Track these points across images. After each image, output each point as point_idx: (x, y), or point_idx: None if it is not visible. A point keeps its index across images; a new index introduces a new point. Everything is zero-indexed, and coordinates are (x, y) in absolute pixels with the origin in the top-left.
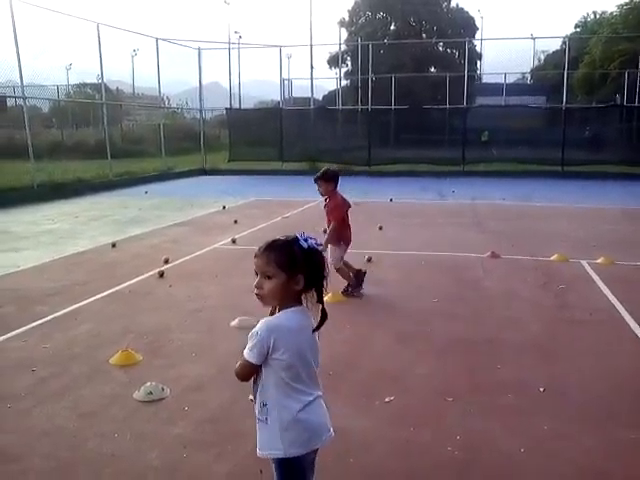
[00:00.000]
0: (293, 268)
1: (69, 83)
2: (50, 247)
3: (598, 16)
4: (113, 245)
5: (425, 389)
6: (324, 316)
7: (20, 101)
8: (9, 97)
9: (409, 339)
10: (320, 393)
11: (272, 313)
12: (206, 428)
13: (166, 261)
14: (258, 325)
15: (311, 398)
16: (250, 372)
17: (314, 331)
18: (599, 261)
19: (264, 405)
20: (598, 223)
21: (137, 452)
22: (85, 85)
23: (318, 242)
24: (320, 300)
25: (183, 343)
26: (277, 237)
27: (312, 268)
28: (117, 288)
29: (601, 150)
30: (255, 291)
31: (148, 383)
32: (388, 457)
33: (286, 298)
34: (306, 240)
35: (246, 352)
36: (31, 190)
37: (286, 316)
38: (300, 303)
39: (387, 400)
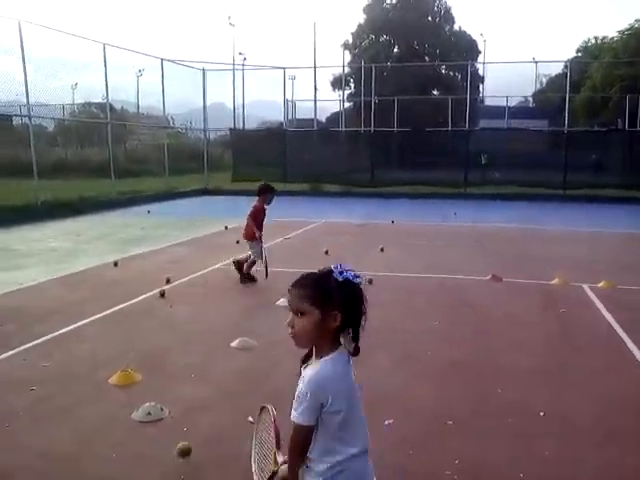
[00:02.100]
0: (327, 303)
1: (74, 102)
2: (52, 265)
3: (599, 41)
4: (115, 264)
5: (425, 412)
6: (356, 353)
7: (26, 120)
8: (15, 116)
9: (409, 361)
10: (366, 449)
11: (307, 355)
12: (205, 449)
13: (167, 281)
14: (304, 385)
15: (355, 451)
16: (308, 436)
17: None
18: (600, 285)
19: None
20: (599, 247)
21: (135, 473)
22: (90, 104)
23: (356, 274)
24: (355, 338)
25: (183, 363)
26: (310, 271)
27: (349, 303)
28: (118, 307)
29: (603, 174)
30: (289, 331)
31: (147, 403)
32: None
33: (322, 338)
34: (341, 273)
35: (297, 417)
36: (35, 208)
37: (331, 366)
38: (338, 344)
39: (386, 423)
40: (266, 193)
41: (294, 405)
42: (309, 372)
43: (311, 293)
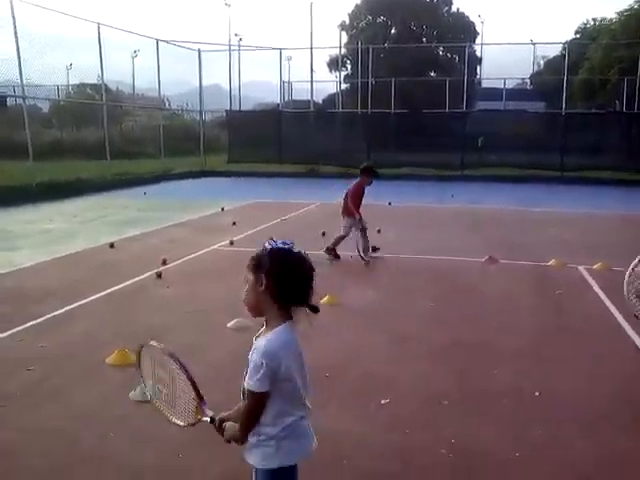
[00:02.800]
0: (258, 269)
1: (69, 83)
2: (48, 247)
3: (597, 23)
4: (111, 245)
5: (420, 392)
6: (315, 311)
7: (20, 100)
8: (9, 96)
9: (405, 342)
10: (307, 411)
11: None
12: (202, 428)
13: (164, 262)
14: (258, 355)
15: (302, 414)
16: (264, 403)
17: None
18: (596, 267)
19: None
20: (596, 229)
21: (132, 452)
22: (85, 85)
23: (285, 242)
24: (299, 301)
25: (180, 344)
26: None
27: (279, 268)
28: (115, 288)
29: (600, 156)
30: None
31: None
32: (382, 459)
33: (264, 306)
34: (275, 242)
35: (254, 385)
36: (30, 190)
37: (280, 335)
38: (288, 317)
39: (382, 403)
40: (368, 174)
41: (249, 374)
42: (261, 342)
43: (250, 262)
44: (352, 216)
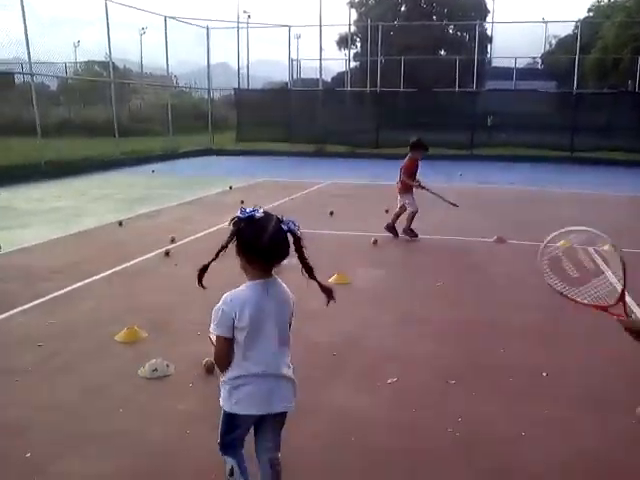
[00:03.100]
0: (233, 235)
1: (77, 60)
2: (57, 225)
3: (612, 0)
4: (120, 223)
5: (428, 371)
6: (324, 290)
7: (28, 78)
8: (17, 74)
9: (413, 321)
10: (271, 373)
11: None
12: (210, 405)
13: (172, 240)
14: (219, 302)
15: (257, 371)
16: (225, 347)
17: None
18: (605, 248)
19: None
20: (605, 210)
21: (141, 428)
22: (93, 63)
23: (253, 209)
24: (310, 275)
25: (188, 321)
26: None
27: (241, 232)
28: (123, 266)
29: (611, 137)
30: None
31: (153, 360)
32: (389, 437)
33: (242, 266)
34: (244, 210)
35: (214, 329)
36: (38, 167)
37: (244, 288)
38: (266, 276)
39: (389, 381)
40: (418, 148)
41: (212, 320)
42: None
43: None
44: (407, 192)
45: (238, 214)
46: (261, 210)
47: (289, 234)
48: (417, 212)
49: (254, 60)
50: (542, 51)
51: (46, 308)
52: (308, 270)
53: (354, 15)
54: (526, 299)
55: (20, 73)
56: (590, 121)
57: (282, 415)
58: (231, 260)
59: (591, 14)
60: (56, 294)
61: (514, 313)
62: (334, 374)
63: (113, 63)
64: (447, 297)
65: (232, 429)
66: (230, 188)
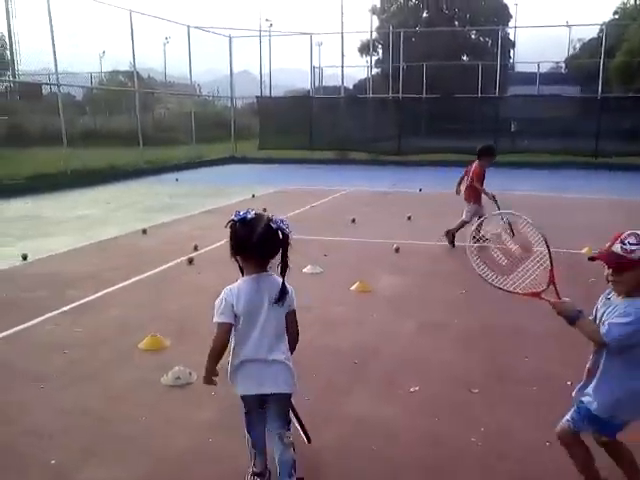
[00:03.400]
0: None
1: (102, 71)
2: (82, 233)
3: (638, 2)
4: (144, 231)
5: (450, 380)
6: (283, 288)
7: (55, 88)
8: (44, 84)
9: (435, 329)
10: (257, 358)
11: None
12: (233, 413)
13: (195, 248)
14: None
15: (243, 358)
16: (225, 333)
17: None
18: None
19: None
20: (631, 216)
21: (164, 435)
22: (118, 73)
23: (246, 212)
24: (282, 273)
25: (211, 329)
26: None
27: (231, 235)
28: (147, 274)
29: (637, 141)
30: None
31: (176, 368)
32: (412, 446)
33: (244, 267)
34: (238, 213)
35: (216, 317)
36: (64, 176)
37: (240, 282)
38: (260, 270)
39: (412, 390)
40: (488, 155)
41: (215, 312)
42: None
43: None
44: (478, 202)
45: (232, 217)
46: (253, 212)
47: (279, 232)
48: (468, 223)
49: (276, 68)
50: (566, 55)
51: (72, 316)
52: (283, 267)
53: (375, 22)
54: (550, 308)
55: (47, 84)
56: (615, 125)
57: (281, 396)
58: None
59: (617, 17)
60: (82, 302)
61: (537, 321)
62: (355, 382)
63: (137, 73)
64: (470, 305)
65: (245, 408)
66: (253, 196)
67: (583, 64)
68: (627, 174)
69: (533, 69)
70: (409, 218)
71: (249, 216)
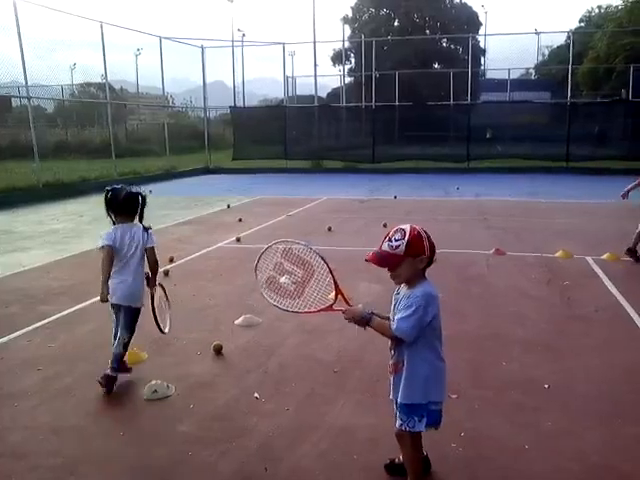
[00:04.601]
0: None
1: (73, 83)
2: (55, 246)
3: (603, 10)
4: None
5: None
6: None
7: (25, 101)
8: (14, 97)
9: None
10: (125, 278)
11: None
12: (211, 426)
13: (171, 260)
14: None
15: (121, 276)
16: (110, 254)
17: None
18: (604, 257)
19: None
20: (603, 219)
21: (142, 450)
22: (89, 85)
23: (113, 186)
24: (140, 219)
25: (188, 341)
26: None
27: (109, 199)
28: None
29: (606, 145)
30: None
31: (153, 381)
32: (393, 453)
33: (116, 220)
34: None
35: (102, 242)
36: (36, 190)
37: (113, 228)
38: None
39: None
40: None
41: (100, 242)
42: None
43: None
44: None
45: (107, 188)
46: (119, 185)
47: (139, 195)
48: None
49: (250, 78)
50: (535, 62)
51: (45, 331)
52: (140, 217)
53: (348, 31)
54: (527, 311)
55: (17, 97)
56: (584, 130)
57: (127, 309)
58: (227, 285)
59: (582, 24)
60: (56, 316)
61: (515, 325)
62: (337, 390)
63: (109, 84)
64: (448, 310)
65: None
66: (228, 206)
67: (552, 71)
68: (596, 178)
69: (504, 76)
70: (385, 225)
71: (116, 187)
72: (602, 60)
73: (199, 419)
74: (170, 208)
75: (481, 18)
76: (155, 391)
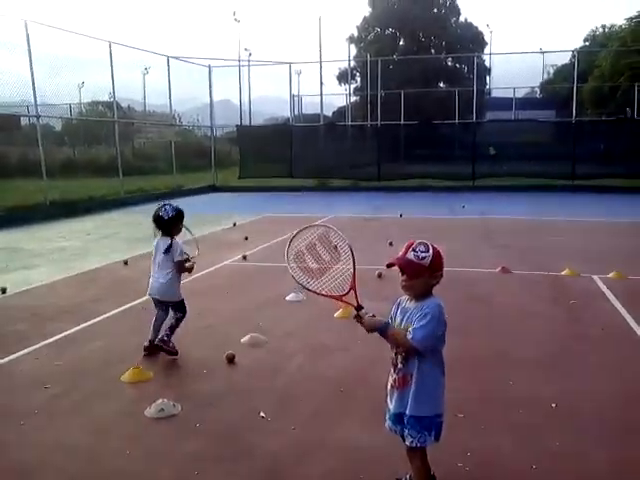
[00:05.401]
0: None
1: (81, 101)
2: (62, 264)
3: (607, 30)
4: (125, 262)
5: None
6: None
7: (34, 120)
8: (23, 116)
9: None
10: (155, 279)
11: None
12: (218, 444)
13: None
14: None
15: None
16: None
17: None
18: (610, 276)
19: None
20: (609, 237)
21: (149, 469)
22: (97, 103)
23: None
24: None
25: (194, 360)
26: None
27: (156, 219)
28: (129, 305)
29: (611, 164)
30: None
31: (160, 400)
32: (398, 472)
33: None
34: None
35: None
36: (44, 208)
37: (157, 239)
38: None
39: None
40: None
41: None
42: None
43: None
44: None
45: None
46: (168, 206)
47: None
48: None
49: (256, 97)
50: (540, 80)
51: (53, 349)
52: (173, 234)
53: (353, 50)
54: (533, 330)
55: (26, 115)
56: (590, 149)
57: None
58: (233, 303)
59: (587, 43)
60: (63, 334)
61: (522, 344)
62: (342, 409)
63: (117, 103)
64: (454, 329)
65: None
66: (234, 225)
67: (557, 89)
68: (603, 196)
69: (509, 94)
70: (390, 244)
71: (162, 209)
72: (606, 79)
73: (205, 438)
74: None
75: (486, 37)
76: (161, 410)
